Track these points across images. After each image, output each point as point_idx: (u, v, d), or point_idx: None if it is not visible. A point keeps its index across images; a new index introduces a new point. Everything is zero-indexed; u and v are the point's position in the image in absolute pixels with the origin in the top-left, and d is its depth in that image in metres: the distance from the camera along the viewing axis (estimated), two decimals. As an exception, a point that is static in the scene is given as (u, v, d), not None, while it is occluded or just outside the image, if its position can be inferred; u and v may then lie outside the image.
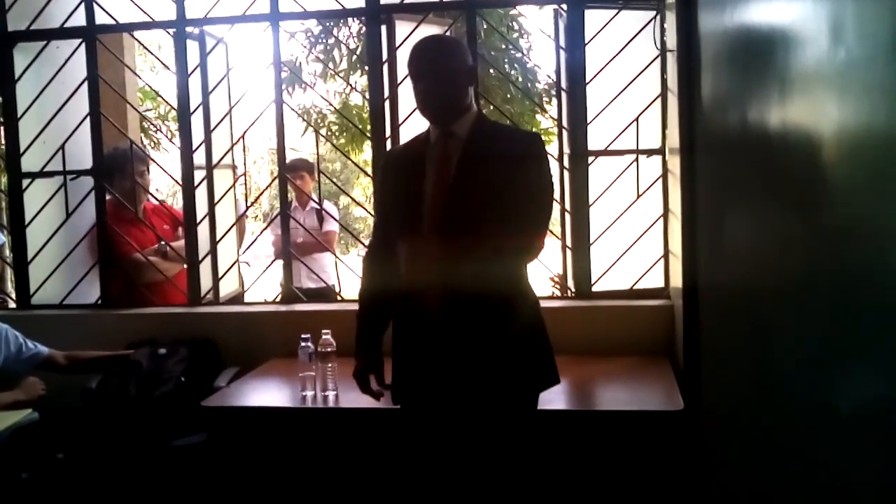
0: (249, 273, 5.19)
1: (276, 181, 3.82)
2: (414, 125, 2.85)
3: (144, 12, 3.76)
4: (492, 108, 6.16)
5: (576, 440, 2.61)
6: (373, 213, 2.82)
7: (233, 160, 4.09)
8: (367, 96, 3.77)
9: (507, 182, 2.17)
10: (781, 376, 1.52)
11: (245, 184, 4.94)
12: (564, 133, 3.64)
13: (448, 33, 3.73)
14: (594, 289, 3.52)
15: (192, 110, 3.75)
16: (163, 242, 3.89)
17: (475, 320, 2.19)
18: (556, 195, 3.55)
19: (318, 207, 4.99)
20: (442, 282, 2.17)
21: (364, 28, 4.20)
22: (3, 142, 3.90)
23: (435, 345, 2.23)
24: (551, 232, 3.68)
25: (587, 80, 3.47)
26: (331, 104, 8.37)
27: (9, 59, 3.82)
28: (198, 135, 3.78)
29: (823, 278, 1.23)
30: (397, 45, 3.59)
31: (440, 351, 2.22)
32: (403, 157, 2.42)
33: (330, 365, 2.80)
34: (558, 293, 3.94)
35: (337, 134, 9.61)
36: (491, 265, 2.17)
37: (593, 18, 3.46)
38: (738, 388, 2.02)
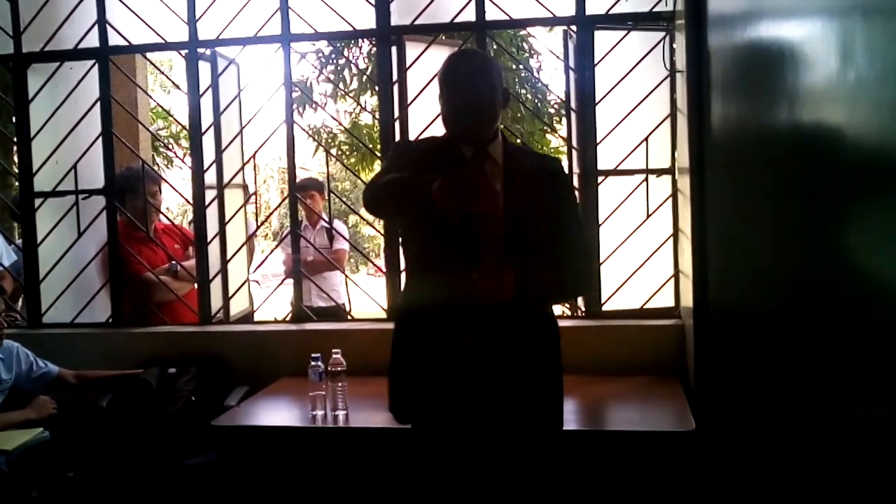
0: (259, 292, 5.20)
1: (287, 200, 3.84)
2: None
3: (157, 33, 3.80)
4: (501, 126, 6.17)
5: (586, 460, 2.60)
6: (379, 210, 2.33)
7: (243, 179, 4.11)
8: (378, 116, 3.79)
9: (553, 210, 2.15)
10: (793, 396, 1.52)
11: (255, 203, 4.96)
12: (574, 153, 3.64)
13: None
14: (604, 308, 3.52)
15: (203, 130, 3.78)
16: (174, 262, 3.91)
17: (516, 350, 2.15)
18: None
19: (328, 226, 5.00)
20: (500, 307, 2.08)
21: (374, 49, 4.23)
22: (16, 161, 3.93)
23: (464, 367, 2.13)
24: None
25: (597, 101, 3.49)
26: (341, 124, 8.43)
27: (23, 80, 3.86)
28: (209, 154, 3.80)
29: (834, 297, 1.22)
30: (408, 65, 3.61)
31: (471, 374, 2.13)
32: (432, 167, 2.03)
33: (340, 384, 2.80)
34: (569, 312, 3.93)
35: (347, 153, 9.68)
36: (549, 297, 2.20)
37: (603, 39, 3.48)
38: (750, 408, 2.01)
